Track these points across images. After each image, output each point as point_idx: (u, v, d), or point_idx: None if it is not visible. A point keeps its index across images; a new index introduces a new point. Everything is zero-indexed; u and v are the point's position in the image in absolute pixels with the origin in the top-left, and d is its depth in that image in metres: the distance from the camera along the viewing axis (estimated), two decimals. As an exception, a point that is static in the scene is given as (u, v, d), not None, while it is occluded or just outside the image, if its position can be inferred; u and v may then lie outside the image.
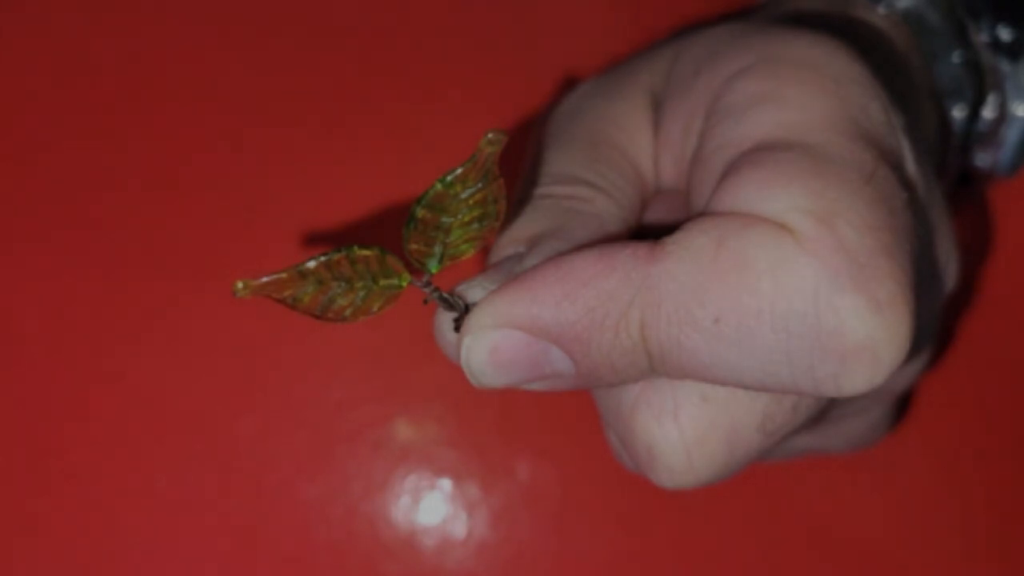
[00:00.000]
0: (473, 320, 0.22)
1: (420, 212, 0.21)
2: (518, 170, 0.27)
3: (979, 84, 0.32)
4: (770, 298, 0.20)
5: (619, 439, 0.24)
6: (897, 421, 0.33)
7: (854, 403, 0.28)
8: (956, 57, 0.32)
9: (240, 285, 0.20)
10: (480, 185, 0.21)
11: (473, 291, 0.23)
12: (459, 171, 0.21)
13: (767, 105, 0.23)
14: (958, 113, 0.32)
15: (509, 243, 0.25)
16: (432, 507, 0.32)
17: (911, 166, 0.24)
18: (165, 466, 0.32)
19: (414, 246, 0.22)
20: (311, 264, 0.21)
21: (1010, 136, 0.32)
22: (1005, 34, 0.32)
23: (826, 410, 0.26)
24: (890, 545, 0.34)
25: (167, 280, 0.33)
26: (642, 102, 0.27)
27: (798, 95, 0.23)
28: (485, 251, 0.26)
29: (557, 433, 0.33)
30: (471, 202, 0.22)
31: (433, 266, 0.22)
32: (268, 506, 0.32)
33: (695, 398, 0.23)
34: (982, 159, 0.33)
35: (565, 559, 0.32)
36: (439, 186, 0.21)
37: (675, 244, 0.21)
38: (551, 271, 0.21)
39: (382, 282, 0.22)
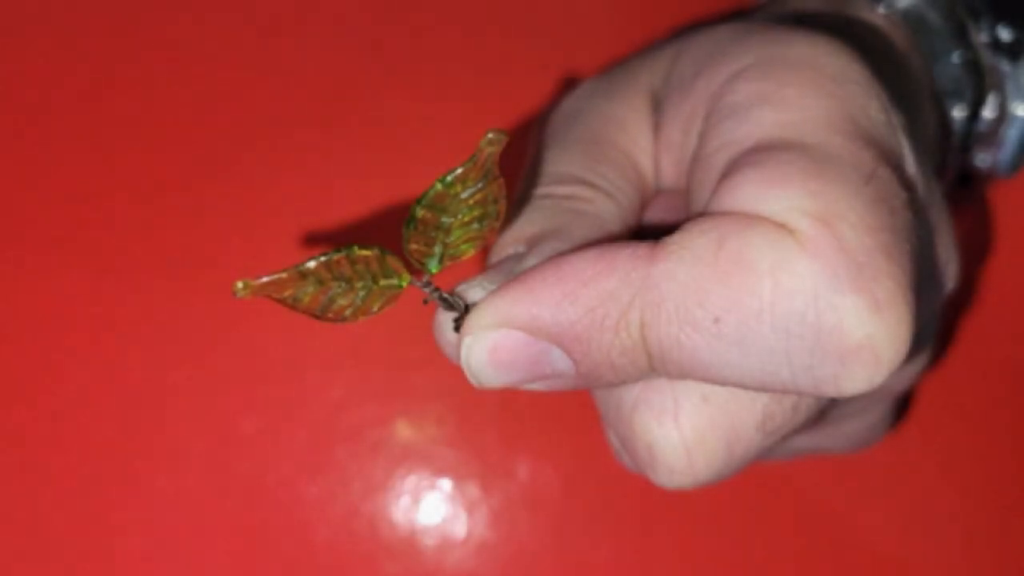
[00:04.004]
0: (473, 320, 0.22)
1: (420, 212, 0.21)
2: (518, 170, 0.27)
3: (979, 84, 0.32)
4: (770, 298, 0.20)
5: (619, 439, 0.24)
6: (897, 421, 0.33)
7: (854, 403, 0.28)
8: (956, 57, 0.32)
9: (240, 285, 0.20)
10: (480, 185, 0.21)
11: (473, 291, 0.23)
12: (459, 171, 0.21)
13: (767, 105, 0.23)
14: (958, 113, 0.32)
15: (509, 243, 0.25)
16: (432, 507, 0.32)
17: (911, 166, 0.24)
18: (165, 466, 0.32)
19: (414, 246, 0.22)
20: (311, 264, 0.21)
21: (1010, 136, 0.32)
22: (1005, 34, 0.32)
23: (826, 410, 0.26)
24: (890, 545, 0.34)
25: (167, 280, 0.33)
26: (642, 102, 0.27)
27: (798, 95, 0.23)
28: (485, 251, 0.26)
29: (557, 433, 0.33)
30: (471, 202, 0.22)
31: (433, 266, 0.22)
32: (268, 506, 0.32)
33: (695, 398, 0.23)
34: (982, 159, 0.33)
35: (565, 559, 0.32)
36: (439, 186, 0.21)
37: (675, 244, 0.21)
38: (551, 271, 0.21)
39: (382, 282, 0.22)
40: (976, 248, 0.36)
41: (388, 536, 0.32)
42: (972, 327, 0.36)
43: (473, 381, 0.22)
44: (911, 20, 0.31)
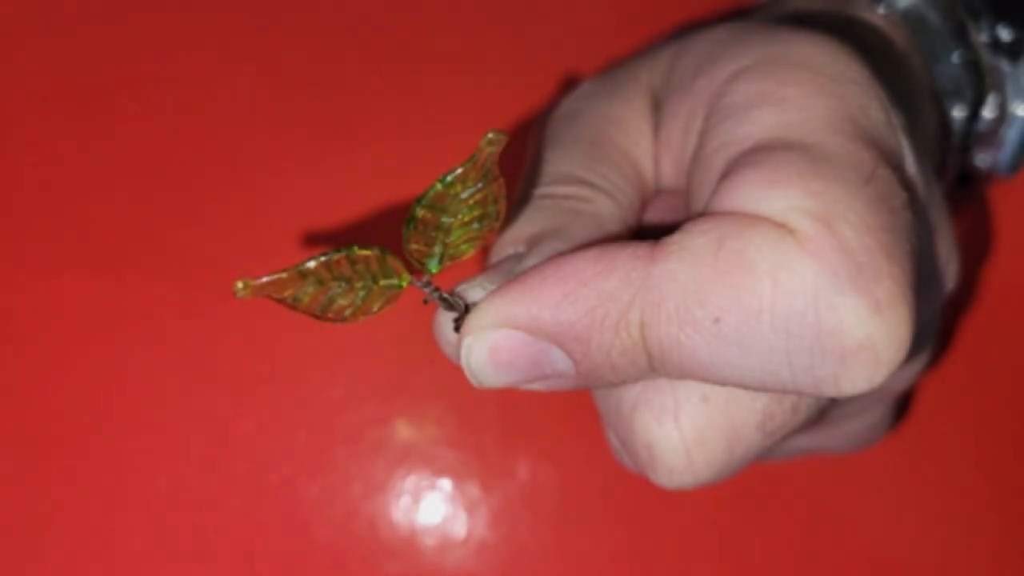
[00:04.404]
0: (473, 320, 0.22)
1: (420, 212, 0.21)
2: (518, 170, 0.27)
3: (979, 84, 0.32)
4: (770, 298, 0.20)
5: (619, 439, 0.24)
6: (897, 421, 0.33)
7: (854, 403, 0.28)
8: (956, 57, 0.32)
9: (240, 285, 0.20)
10: (480, 185, 0.21)
11: (473, 291, 0.23)
12: (459, 171, 0.21)
13: (767, 105, 0.23)
14: (958, 113, 0.32)
15: (509, 243, 0.25)
16: (432, 507, 0.32)
17: (911, 166, 0.24)
18: (165, 466, 0.32)
19: (414, 246, 0.22)
20: (311, 264, 0.21)
21: (1010, 136, 0.32)
22: (1005, 34, 0.32)
23: (826, 410, 0.26)
24: (890, 545, 0.34)
25: (167, 280, 0.33)
26: (642, 102, 0.27)
27: (798, 95, 0.23)
28: (485, 251, 0.26)
29: (557, 433, 0.33)
30: (471, 202, 0.22)
31: (433, 266, 0.22)
32: (268, 506, 0.32)
33: (695, 398, 0.23)
34: (982, 159, 0.33)
35: (565, 559, 0.32)
36: (439, 186, 0.21)
37: (675, 244, 0.21)
38: (551, 271, 0.21)
39: (382, 282, 0.22)
40: (976, 248, 0.36)
41: (388, 536, 0.32)
42: (972, 327, 0.36)
43: (473, 381, 0.22)
44: (911, 20, 0.31)
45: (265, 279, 0.20)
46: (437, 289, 0.22)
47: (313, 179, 0.34)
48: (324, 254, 0.21)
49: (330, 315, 0.22)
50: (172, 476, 0.32)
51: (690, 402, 0.23)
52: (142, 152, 0.34)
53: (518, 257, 0.24)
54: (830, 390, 0.21)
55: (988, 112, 0.32)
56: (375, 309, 0.22)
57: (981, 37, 0.32)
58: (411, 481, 0.32)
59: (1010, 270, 0.36)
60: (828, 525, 0.34)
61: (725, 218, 0.21)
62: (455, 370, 0.23)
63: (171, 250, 0.33)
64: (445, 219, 0.22)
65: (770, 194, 0.21)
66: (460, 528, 0.32)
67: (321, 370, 0.32)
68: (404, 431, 0.32)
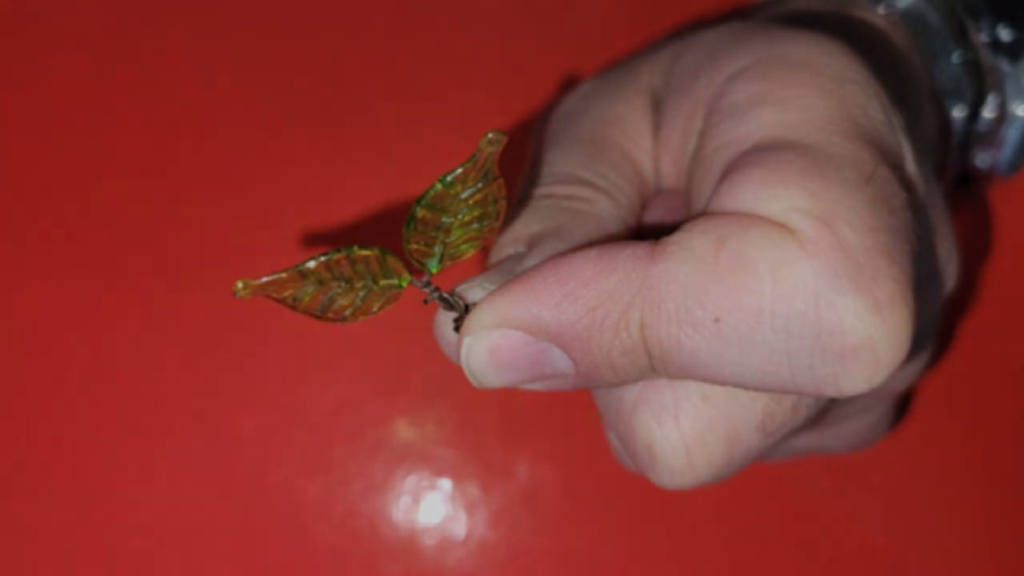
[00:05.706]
0: (473, 320, 0.22)
1: (420, 212, 0.21)
2: (518, 170, 0.27)
3: (979, 84, 0.32)
4: (770, 298, 0.20)
5: (619, 439, 0.24)
6: (897, 421, 0.33)
7: (854, 403, 0.28)
8: (956, 57, 0.32)
9: (240, 285, 0.20)
10: (480, 185, 0.21)
11: (473, 291, 0.23)
12: (459, 171, 0.21)
13: (767, 105, 0.23)
14: (958, 113, 0.32)
15: (509, 243, 0.25)
16: (432, 507, 0.32)
17: (911, 166, 0.24)
18: (165, 466, 0.32)
19: (414, 246, 0.22)
20: (311, 264, 0.21)
21: (1010, 136, 0.32)
22: (1005, 34, 0.32)
23: (826, 410, 0.26)
24: (889, 546, 0.34)
25: (167, 280, 0.33)
26: (642, 103, 0.27)
27: (798, 95, 0.23)
28: (485, 251, 0.26)
29: (557, 433, 0.33)
30: (471, 202, 0.22)
31: (433, 266, 0.22)
32: (268, 506, 0.32)
33: (695, 398, 0.23)
34: (982, 159, 0.33)
35: (565, 559, 0.32)
36: (439, 186, 0.21)
37: (675, 244, 0.21)
38: (551, 271, 0.21)
39: (382, 282, 0.22)
40: (976, 248, 0.36)
41: (388, 536, 0.32)
42: (972, 327, 0.36)
43: (473, 381, 0.22)
44: (911, 20, 0.31)
45: (265, 279, 0.20)
46: (437, 289, 0.22)
47: (313, 179, 0.34)
48: (324, 254, 0.21)
49: (330, 315, 0.22)
50: (172, 476, 0.32)
51: (690, 402, 0.23)
52: (142, 152, 0.34)
53: (518, 257, 0.24)
54: (830, 390, 0.21)
55: (988, 112, 0.32)
56: (375, 309, 0.22)
57: (981, 37, 0.32)
58: (411, 481, 0.32)
59: (1010, 270, 0.36)
60: (827, 525, 0.34)
61: (725, 218, 0.21)
62: (455, 370, 0.23)
63: (171, 250, 0.33)
64: (445, 219, 0.22)
65: (770, 194, 0.21)
66: (460, 528, 0.32)
67: (321, 370, 0.32)
68: (404, 431, 0.32)
